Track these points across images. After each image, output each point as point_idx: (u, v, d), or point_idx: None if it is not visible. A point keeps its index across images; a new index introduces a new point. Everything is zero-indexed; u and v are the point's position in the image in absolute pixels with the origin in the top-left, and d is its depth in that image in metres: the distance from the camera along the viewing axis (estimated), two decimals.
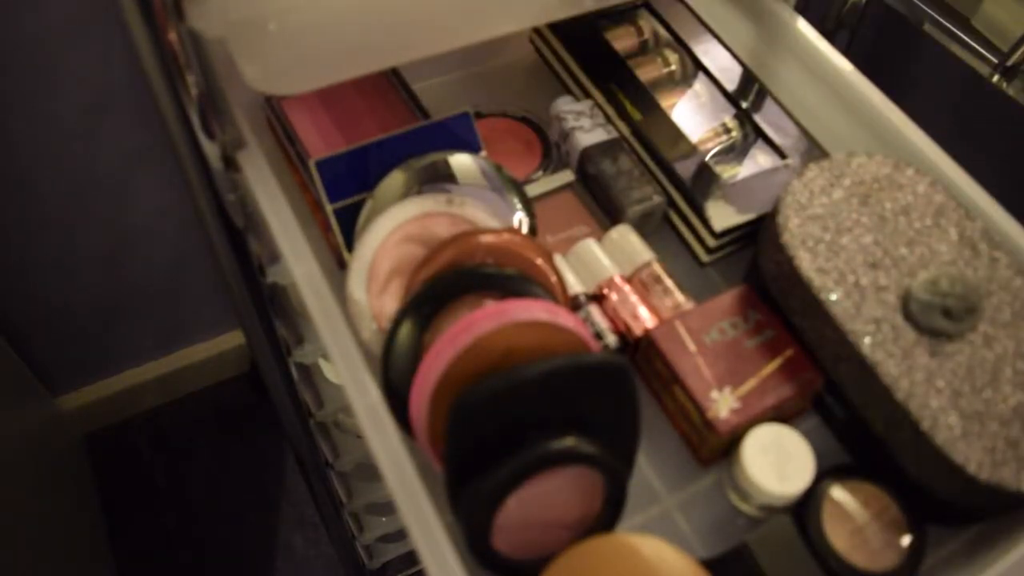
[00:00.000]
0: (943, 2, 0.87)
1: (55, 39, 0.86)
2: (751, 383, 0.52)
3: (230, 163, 0.53)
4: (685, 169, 0.61)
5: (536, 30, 0.75)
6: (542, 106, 0.69)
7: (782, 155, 0.62)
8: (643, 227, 0.63)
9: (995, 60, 0.83)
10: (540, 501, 0.44)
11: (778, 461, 0.49)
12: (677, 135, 0.63)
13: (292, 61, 0.50)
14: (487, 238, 0.51)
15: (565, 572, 0.43)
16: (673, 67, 0.69)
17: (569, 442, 0.43)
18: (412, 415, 0.47)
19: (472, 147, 0.60)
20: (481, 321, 0.45)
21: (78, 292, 1.15)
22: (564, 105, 0.67)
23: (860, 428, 0.51)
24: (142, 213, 1.09)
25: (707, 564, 0.44)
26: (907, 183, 0.55)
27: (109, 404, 1.32)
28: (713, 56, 0.69)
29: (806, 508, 0.50)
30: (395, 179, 0.56)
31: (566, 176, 0.66)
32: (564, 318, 0.47)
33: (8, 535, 0.92)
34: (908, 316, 0.49)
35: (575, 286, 0.57)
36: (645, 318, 0.55)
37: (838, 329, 0.49)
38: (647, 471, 0.54)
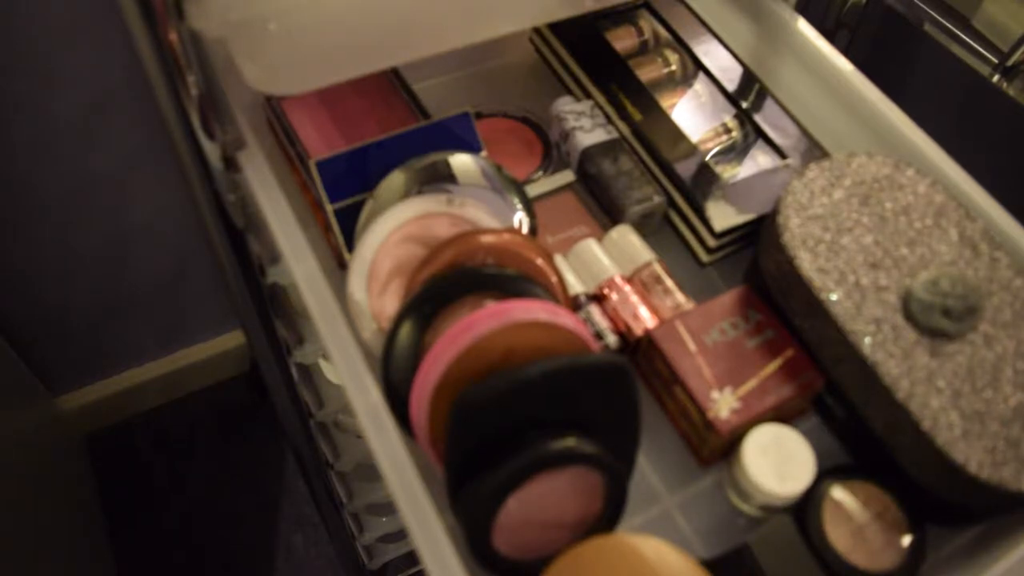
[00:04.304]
0: (943, 2, 0.87)
1: (55, 39, 0.86)
2: (751, 383, 0.52)
3: (230, 163, 0.53)
4: (685, 169, 0.61)
5: (536, 30, 0.75)
6: (542, 106, 0.69)
7: (782, 155, 0.62)
8: (643, 227, 0.63)
9: (995, 60, 0.83)
10: (540, 501, 0.44)
11: (778, 461, 0.49)
12: (677, 135, 0.63)
13: (292, 61, 0.50)
14: (487, 238, 0.51)
15: (565, 572, 0.43)
16: (673, 67, 0.69)
17: (569, 442, 0.43)
18: (412, 415, 0.47)
19: (472, 147, 0.60)
20: (482, 321, 0.45)
21: (78, 292, 1.15)
22: (564, 105, 0.67)
23: (860, 428, 0.51)
24: (142, 213, 1.09)
25: (707, 564, 0.44)
26: (907, 183, 0.55)
27: (109, 404, 1.32)
28: (713, 56, 0.69)
29: (806, 508, 0.50)
30: (395, 179, 0.56)
31: (566, 176, 0.66)
32: (564, 318, 0.47)
33: (8, 535, 0.92)
34: (908, 316, 0.49)
35: (575, 286, 0.57)
36: (645, 318, 0.55)
37: (839, 329, 0.49)
38: (647, 471, 0.54)
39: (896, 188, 0.54)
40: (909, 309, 0.49)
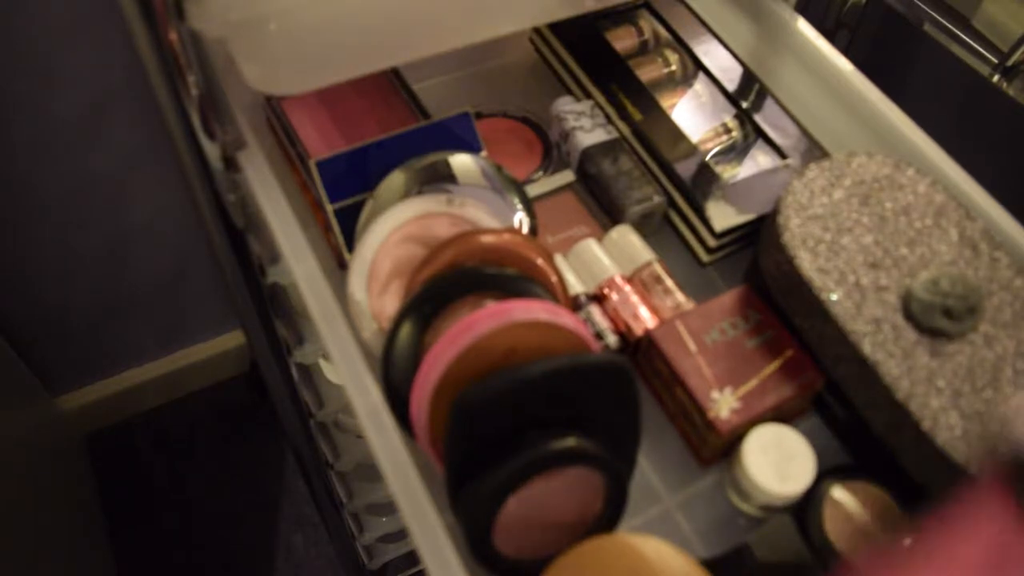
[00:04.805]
0: (943, 2, 0.87)
1: (55, 39, 0.86)
2: (752, 383, 0.52)
3: (230, 163, 0.53)
4: (685, 169, 0.61)
5: (536, 30, 0.75)
6: (542, 106, 0.69)
7: (782, 155, 0.62)
8: (643, 227, 0.63)
9: (995, 60, 0.83)
10: (541, 501, 0.44)
11: (779, 461, 0.49)
12: (677, 135, 0.63)
13: (292, 61, 0.50)
14: (487, 238, 0.51)
15: (566, 572, 0.43)
16: (673, 67, 0.69)
17: (570, 442, 0.43)
18: (412, 415, 0.47)
19: (472, 147, 0.60)
20: (482, 321, 0.45)
21: (78, 292, 1.15)
22: (564, 105, 0.67)
23: (860, 428, 0.51)
24: (142, 213, 1.09)
25: (707, 564, 0.44)
26: (907, 183, 0.55)
27: (109, 404, 1.32)
28: (713, 56, 0.69)
29: (807, 508, 0.50)
30: (395, 179, 0.56)
31: (566, 176, 0.66)
32: (565, 318, 0.47)
33: (8, 535, 0.92)
34: (909, 316, 0.49)
35: (576, 286, 0.57)
36: (646, 318, 0.55)
37: (839, 329, 0.49)
38: (647, 471, 0.54)
39: (896, 188, 0.54)
40: (909, 309, 0.49)
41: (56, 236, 1.06)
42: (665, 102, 0.65)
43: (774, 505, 0.50)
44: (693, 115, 0.65)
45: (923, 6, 0.88)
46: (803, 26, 0.66)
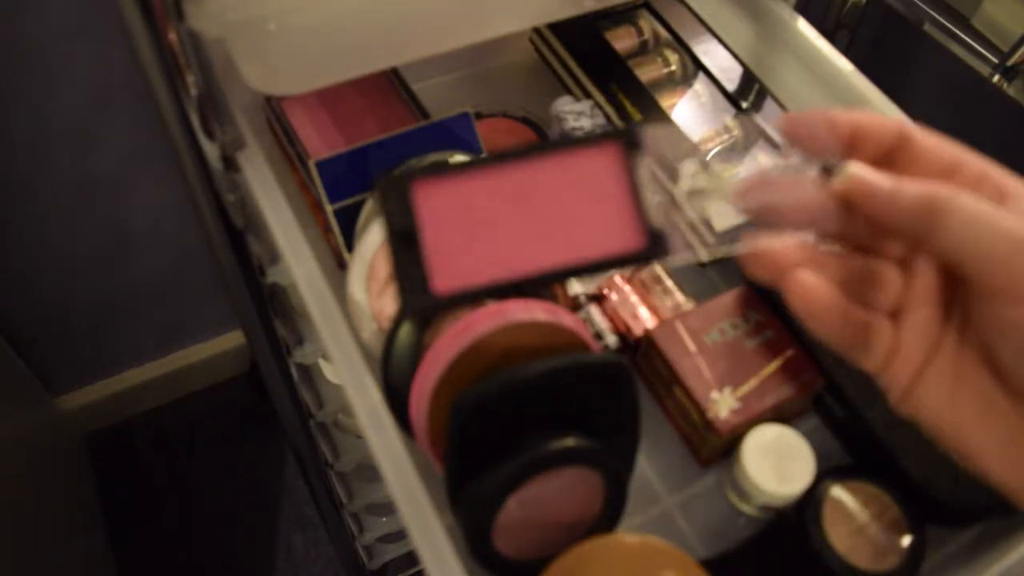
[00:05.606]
0: (943, 2, 0.87)
1: (55, 39, 0.86)
2: (751, 383, 0.52)
3: (230, 163, 0.53)
4: (685, 169, 0.61)
5: (536, 30, 0.75)
6: (542, 106, 0.69)
7: (783, 155, 0.62)
8: None
9: (995, 60, 0.83)
10: (540, 501, 0.44)
11: (778, 461, 0.49)
12: (677, 135, 0.63)
13: (292, 61, 0.50)
14: None
15: (565, 572, 0.43)
16: (673, 67, 0.69)
17: (569, 442, 0.43)
18: (412, 415, 0.47)
19: (472, 147, 0.60)
20: (481, 321, 0.45)
21: (78, 292, 1.15)
22: (564, 105, 0.67)
23: (860, 428, 0.51)
24: (142, 213, 1.09)
25: (707, 564, 0.44)
26: None
27: (109, 404, 1.32)
28: (713, 56, 0.69)
29: (806, 508, 0.50)
30: None
31: None
32: (564, 318, 0.47)
33: (8, 535, 0.92)
34: None
35: (575, 286, 0.57)
36: (645, 318, 0.55)
37: None
38: (647, 471, 0.54)
39: None
40: None
41: (56, 236, 1.06)
42: (665, 102, 0.65)
43: (774, 505, 0.50)
44: (693, 115, 0.65)
45: (923, 6, 0.88)
46: (803, 26, 0.66)
